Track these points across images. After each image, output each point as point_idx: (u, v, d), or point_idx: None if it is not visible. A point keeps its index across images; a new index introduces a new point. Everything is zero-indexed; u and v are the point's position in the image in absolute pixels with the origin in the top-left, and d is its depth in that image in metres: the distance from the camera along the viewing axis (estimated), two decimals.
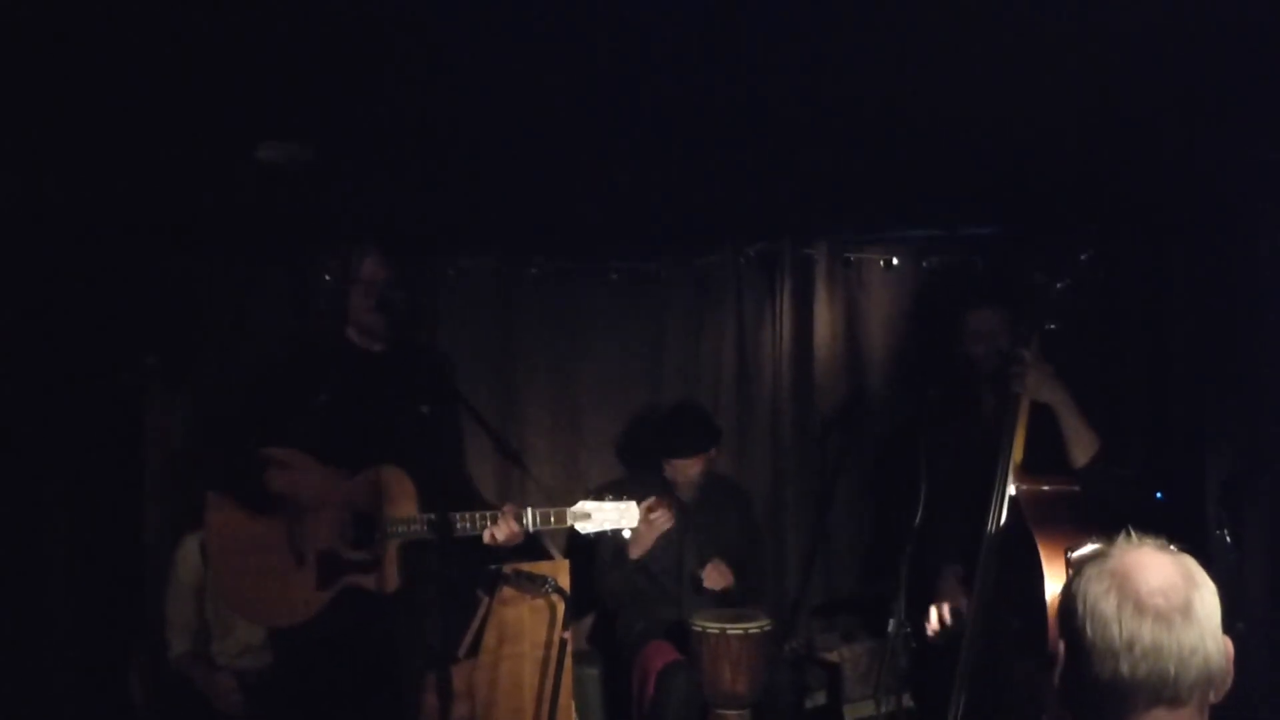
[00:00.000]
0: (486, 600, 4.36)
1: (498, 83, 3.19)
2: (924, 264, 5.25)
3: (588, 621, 5.22)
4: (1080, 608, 1.70)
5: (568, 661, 4.24)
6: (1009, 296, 4.04)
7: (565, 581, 4.27)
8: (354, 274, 3.52)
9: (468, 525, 3.46)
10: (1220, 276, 4.38)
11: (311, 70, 3.10)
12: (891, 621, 3.80)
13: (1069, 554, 3.18)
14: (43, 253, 4.30)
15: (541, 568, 4.29)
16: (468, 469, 3.99)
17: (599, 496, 3.63)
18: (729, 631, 4.37)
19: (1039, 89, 3.29)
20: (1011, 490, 3.66)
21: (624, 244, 5.30)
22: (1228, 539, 4.15)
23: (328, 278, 3.58)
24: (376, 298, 3.49)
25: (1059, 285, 3.76)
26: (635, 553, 4.65)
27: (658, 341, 5.41)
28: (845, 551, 5.28)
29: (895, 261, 5.27)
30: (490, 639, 4.36)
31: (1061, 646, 1.73)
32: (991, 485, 3.67)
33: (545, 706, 4.21)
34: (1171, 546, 1.76)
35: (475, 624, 4.39)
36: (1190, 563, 1.72)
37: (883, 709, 4.23)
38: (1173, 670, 1.63)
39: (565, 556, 4.60)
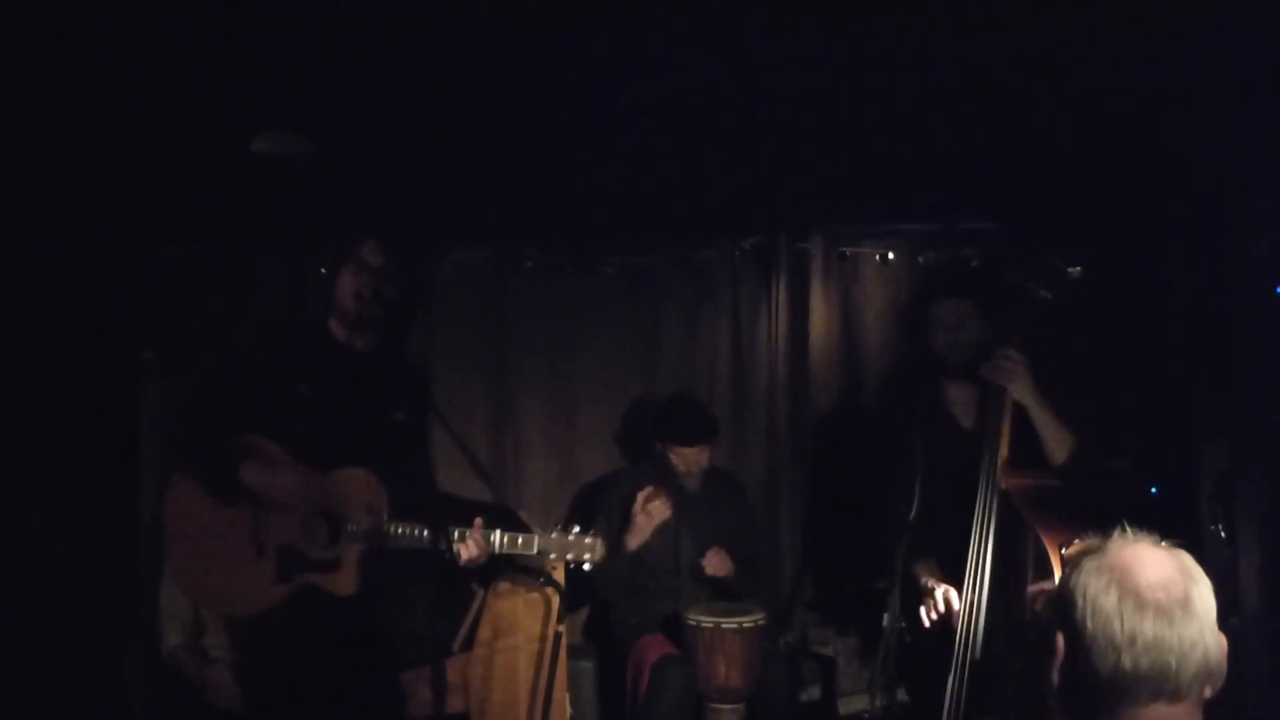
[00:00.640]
0: (481, 593, 4.36)
1: (494, 76, 3.19)
2: (920, 259, 5.24)
3: (583, 615, 5.22)
4: (1080, 602, 1.70)
5: (562, 655, 4.24)
6: (979, 290, 4.03)
7: (560, 575, 4.27)
8: (350, 256, 3.41)
9: (423, 536, 3.38)
10: (1215, 273, 4.38)
11: (308, 63, 3.09)
12: (886, 615, 3.79)
13: (1063, 550, 3.19)
14: (39, 246, 4.30)
15: (536, 561, 4.29)
16: (435, 479, 3.90)
17: (566, 528, 3.58)
18: (724, 625, 4.38)
19: (1036, 84, 3.29)
20: (1001, 485, 3.67)
21: (619, 238, 5.29)
22: (1221, 534, 4.16)
23: (324, 270, 3.51)
24: (370, 284, 3.39)
25: (1039, 289, 3.77)
26: (633, 544, 4.65)
27: (653, 335, 5.40)
28: (840, 545, 5.27)
29: (891, 256, 5.26)
30: (485, 632, 4.36)
31: (1060, 641, 1.73)
32: (975, 476, 3.69)
33: (539, 700, 4.21)
34: (1164, 543, 1.77)
35: (470, 617, 4.40)
36: (1186, 558, 1.73)
37: (877, 703, 4.22)
38: (1174, 664, 1.64)
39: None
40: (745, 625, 4.39)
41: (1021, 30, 2.85)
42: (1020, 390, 3.72)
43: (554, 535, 3.51)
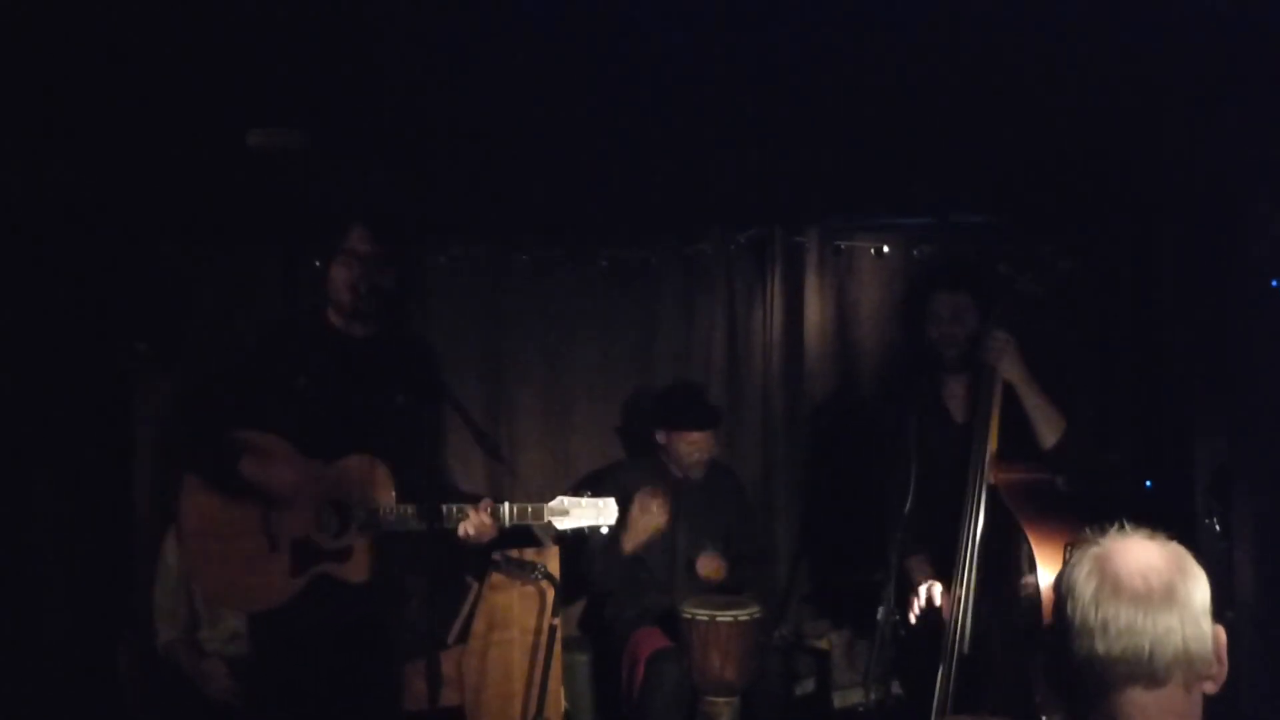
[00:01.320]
0: (476, 586, 4.36)
1: (489, 71, 3.19)
2: (915, 252, 5.25)
3: (578, 608, 5.22)
4: (1066, 593, 1.72)
5: (557, 648, 4.24)
6: (977, 284, 4.04)
7: (555, 568, 4.27)
8: (338, 246, 3.39)
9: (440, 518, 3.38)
10: (1210, 266, 4.38)
11: (302, 58, 3.09)
12: (881, 609, 3.80)
13: (1067, 547, 3.18)
14: (34, 240, 4.29)
15: (532, 554, 4.29)
16: (445, 461, 3.91)
17: (578, 493, 3.58)
18: (719, 619, 4.38)
19: (1030, 79, 3.29)
20: (990, 480, 3.67)
21: (615, 231, 5.29)
22: (1216, 528, 4.16)
23: (318, 264, 3.51)
24: (361, 274, 3.36)
25: (1032, 283, 3.78)
26: (628, 546, 4.64)
27: (648, 329, 5.40)
28: (835, 539, 5.28)
29: (886, 250, 5.26)
30: (480, 625, 4.36)
31: (1049, 631, 1.75)
32: (965, 473, 3.70)
33: (534, 693, 4.21)
34: (1161, 537, 1.77)
35: (465, 610, 4.40)
36: (1182, 552, 1.74)
37: (871, 696, 4.23)
38: (1147, 649, 1.65)
39: (556, 543, 4.60)
40: (740, 618, 4.39)
41: (1015, 25, 2.85)
42: (1008, 368, 3.72)
43: (564, 501, 3.50)
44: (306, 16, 2.77)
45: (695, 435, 4.79)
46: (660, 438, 4.86)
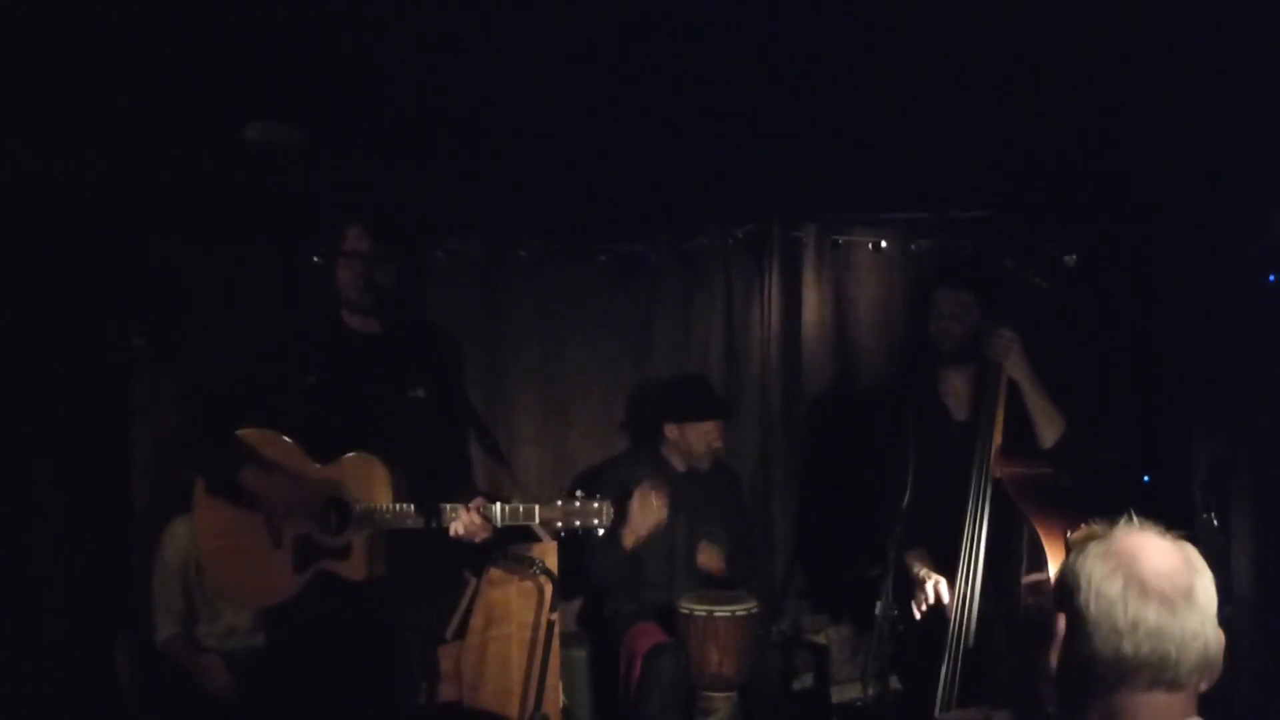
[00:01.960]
0: (474, 582, 4.36)
1: (487, 64, 3.18)
2: (913, 247, 5.24)
3: (576, 603, 5.22)
4: (1084, 586, 1.71)
5: (555, 643, 4.24)
6: (979, 279, 4.04)
7: (553, 563, 4.27)
8: (337, 247, 3.42)
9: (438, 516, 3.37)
10: (1209, 261, 4.39)
11: (301, 51, 3.09)
12: (879, 603, 3.80)
13: (1068, 535, 3.19)
14: (31, 235, 4.28)
15: (530, 549, 4.29)
16: (469, 453, 3.86)
17: (572, 494, 3.56)
18: (716, 614, 4.38)
19: (1029, 72, 3.29)
20: (995, 474, 3.68)
21: (613, 226, 5.28)
22: (1214, 522, 4.17)
23: (316, 259, 3.52)
24: (362, 273, 3.38)
25: (1033, 277, 3.78)
26: (628, 542, 4.64)
27: (646, 323, 5.40)
28: (833, 533, 5.28)
29: (884, 244, 5.25)
30: (478, 620, 4.36)
31: (1061, 624, 1.74)
32: (968, 467, 3.70)
33: (532, 688, 4.21)
34: (1168, 534, 1.77)
35: (463, 605, 4.39)
36: (1190, 549, 1.75)
37: (870, 691, 4.23)
38: (1174, 653, 1.65)
39: (555, 539, 4.60)
40: (738, 613, 4.39)
41: (1014, 18, 2.84)
42: (1014, 366, 3.74)
43: (558, 504, 3.47)
44: (305, 11, 2.77)
45: (708, 425, 4.79)
46: (671, 431, 4.85)
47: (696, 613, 4.40)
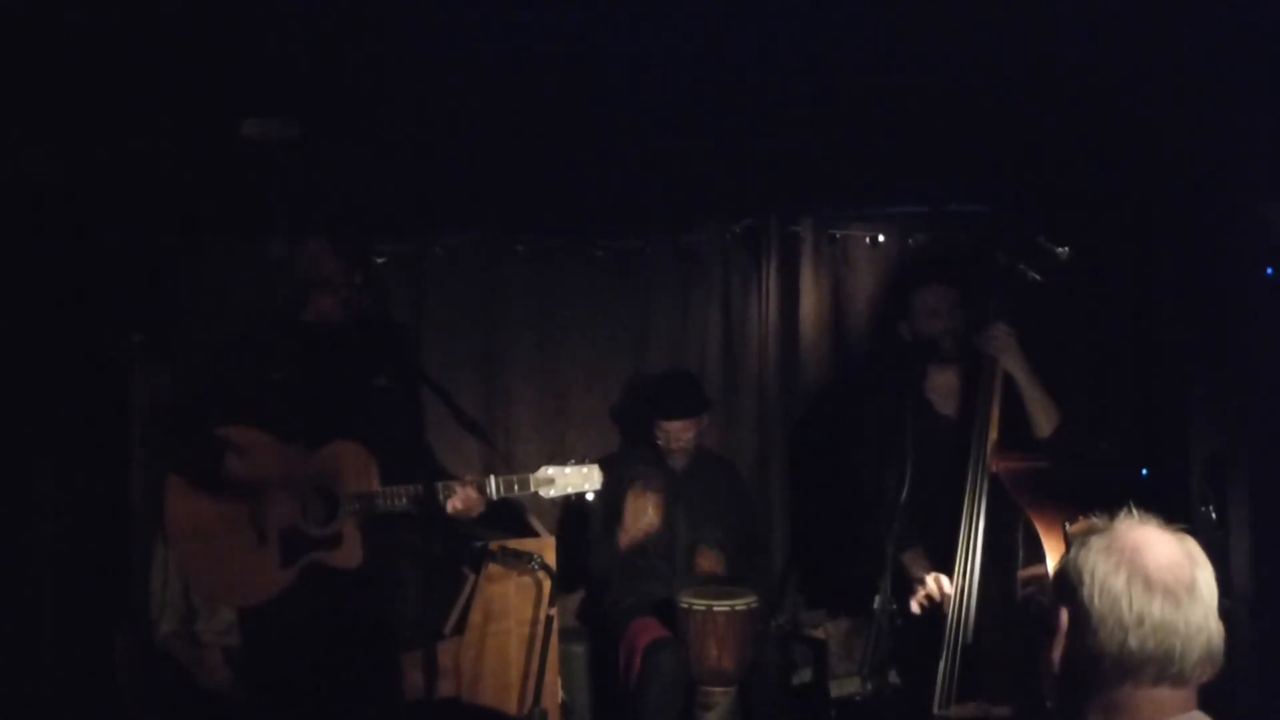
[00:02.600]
0: (473, 577, 4.36)
1: (484, 59, 3.18)
2: (910, 241, 5.24)
3: (575, 598, 5.22)
4: (1087, 580, 1.70)
5: (553, 638, 4.25)
6: (964, 277, 4.04)
7: (551, 558, 4.27)
8: (313, 276, 3.45)
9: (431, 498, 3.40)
10: (1205, 254, 4.38)
11: (296, 47, 3.09)
12: (877, 598, 3.80)
13: (1066, 526, 3.19)
14: (28, 231, 4.27)
15: (528, 545, 4.29)
16: (428, 441, 3.90)
17: (561, 462, 3.59)
18: (715, 609, 4.38)
19: (1025, 68, 3.29)
20: (992, 468, 3.68)
21: (610, 221, 5.28)
22: (1212, 515, 4.17)
23: (272, 259, 3.52)
24: (345, 300, 3.43)
25: (1029, 271, 3.78)
26: (624, 542, 4.65)
27: (644, 318, 5.40)
28: (831, 528, 5.27)
29: (881, 239, 5.26)
30: (476, 616, 4.36)
31: (1064, 618, 1.73)
32: (957, 462, 3.70)
33: (531, 683, 4.21)
34: (1170, 527, 1.77)
35: (461, 601, 4.40)
36: (1191, 542, 1.74)
37: (868, 685, 4.23)
38: (1179, 647, 1.65)
39: (554, 533, 4.60)
40: (737, 608, 4.40)
41: (1011, 14, 2.84)
42: (1010, 361, 3.74)
43: (549, 470, 3.50)
44: (304, 10, 2.77)
45: (673, 424, 4.79)
46: (656, 428, 4.86)
47: (696, 607, 4.40)
